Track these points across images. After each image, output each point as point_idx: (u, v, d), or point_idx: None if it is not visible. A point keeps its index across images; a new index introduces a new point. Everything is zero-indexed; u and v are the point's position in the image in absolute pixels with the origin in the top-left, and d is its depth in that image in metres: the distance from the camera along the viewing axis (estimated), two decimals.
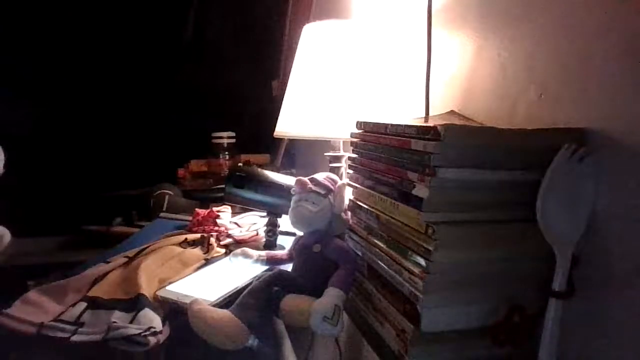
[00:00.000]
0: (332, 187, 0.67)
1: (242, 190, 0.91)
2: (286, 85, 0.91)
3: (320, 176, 0.68)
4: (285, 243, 0.90)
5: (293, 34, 1.64)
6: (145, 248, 0.86)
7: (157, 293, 0.68)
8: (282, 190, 0.86)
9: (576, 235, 0.44)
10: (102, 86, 2.10)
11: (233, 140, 1.68)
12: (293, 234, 0.90)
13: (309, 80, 0.85)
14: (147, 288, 0.69)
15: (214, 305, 0.60)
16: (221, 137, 1.66)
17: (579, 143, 0.44)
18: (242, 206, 1.05)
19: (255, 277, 0.71)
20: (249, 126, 1.93)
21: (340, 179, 0.75)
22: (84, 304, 0.66)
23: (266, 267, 0.75)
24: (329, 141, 0.88)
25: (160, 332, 0.60)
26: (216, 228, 1.01)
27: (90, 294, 0.70)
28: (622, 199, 0.43)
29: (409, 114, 0.76)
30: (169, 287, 0.70)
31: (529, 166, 0.45)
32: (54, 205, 1.91)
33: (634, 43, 0.42)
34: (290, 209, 0.66)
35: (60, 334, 0.59)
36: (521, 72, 0.56)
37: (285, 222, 0.86)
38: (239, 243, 0.94)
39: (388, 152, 0.52)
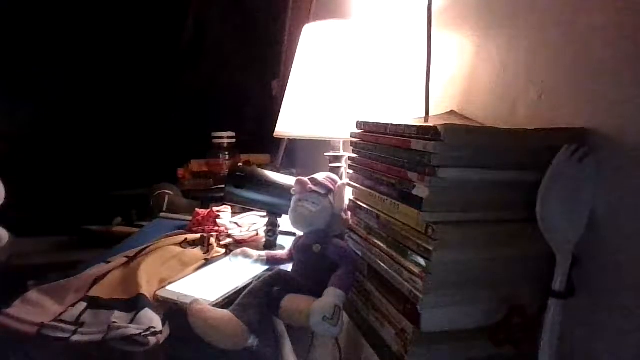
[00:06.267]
0: (332, 187, 0.67)
1: (242, 190, 0.91)
2: (286, 85, 0.91)
3: (320, 176, 0.68)
4: (285, 243, 0.90)
5: (293, 34, 1.64)
6: (145, 248, 0.86)
7: (157, 293, 0.68)
8: (282, 190, 0.86)
9: (576, 235, 0.44)
10: (102, 86, 2.10)
11: (233, 140, 1.68)
12: (293, 234, 0.90)
13: (309, 80, 0.85)
14: (147, 288, 0.69)
15: (214, 305, 0.60)
16: (221, 137, 1.66)
17: (579, 143, 0.44)
18: (242, 206, 1.05)
19: (255, 277, 0.71)
20: (249, 126, 1.93)
21: (340, 179, 0.75)
22: (84, 304, 0.66)
23: (266, 267, 0.75)
24: (329, 141, 0.88)
25: (160, 332, 0.60)
26: (216, 228, 1.01)
27: (90, 294, 0.70)
28: (622, 199, 0.43)
29: (409, 114, 0.76)
30: (169, 287, 0.70)
31: (528, 166, 0.45)
32: (54, 205, 1.91)
33: (634, 42, 0.42)
34: (290, 209, 0.66)
35: (60, 334, 0.59)
36: (521, 72, 0.56)
37: (285, 222, 0.86)
38: (239, 243, 0.93)
39: (388, 152, 0.52)
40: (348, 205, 0.65)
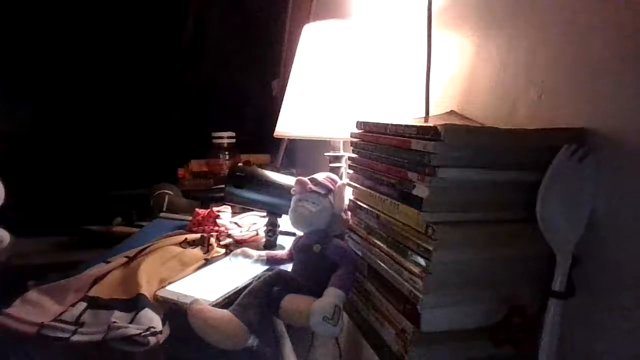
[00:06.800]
0: (332, 187, 0.67)
1: (242, 190, 0.91)
2: (286, 85, 0.91)
3: (320, 176, 0.68)
4: (285, 243, 0.90)
5: (293, 34, 1.64)
6: (145, 248, 0.86)
7: (157, 293, 0.68)
8: (282, 190, 0.86)
9: (576, 236, 0.44)
10: (102, 86, 2.10)
11: (233, 140, 1.68)
12: (293, 234, 0.90)
13: (309, 80, 0.85)
14: (147, 288, 0.69)
15: (214, 305, 0.60)
16: (221, 137, 1.66)
17: (579, 143, 0.44)
18: (242, 206, 1.05)
19: (255, 277, 0.71)
20: (249, 126, 1.93)
21: (340, 179, 0.75)
22: (84, 304, 0.66)
23: (266, 267, 0.75)
24: (329, 141, 0.88)
25: (160, 332, 0.60)
26: (216, 228, 1.01)
27: (90, 294, 0.70)
28: (622, 199, 0.43)
29: (409, 114, 0.76)
30: (169, 287, 0.70)
31: (528, 166, 0.45)
32: (54, 205, 1.91)
33: (634, 42, 0.42)
34: (290, 209, 0.66)
35: (60, 334, 0.59)
36: (521, 72, 0.56)
37: (285, 222, 0.86)
38: (239, 243, 0.94)
39: (388, 152, 0.52)
40: (348, 205, 0.65)
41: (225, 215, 1.09)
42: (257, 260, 0.76)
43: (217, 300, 0.65)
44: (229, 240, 0.95)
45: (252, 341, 0.54)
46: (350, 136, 0.63)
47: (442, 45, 0.72)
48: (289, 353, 0.66)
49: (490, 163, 0.44)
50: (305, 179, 0.67)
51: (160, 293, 0.68)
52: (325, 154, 0.89)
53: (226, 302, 0.64)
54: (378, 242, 0.55)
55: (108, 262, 0.82)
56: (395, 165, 0.50)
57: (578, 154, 0.44)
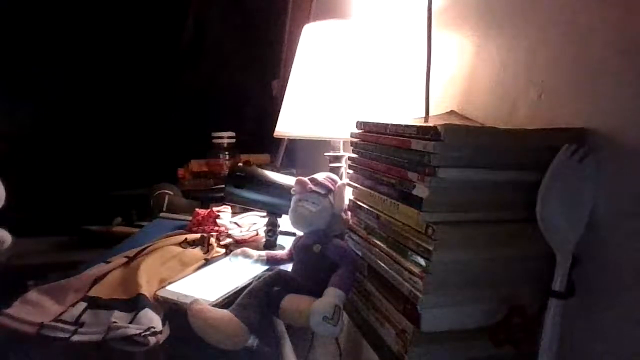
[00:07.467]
0: (332, 187, 0.67)
1: (242, 190, 0.91)
2: (286, 85, 0.91)
3: (320, 176, 0.68)
4: (285, 243, 0.90)
5: (293, 34, 1.64)
6: (145, 248, 0.86)
7: (157, 293, 0.68)
8: (282, 190, 0.86)
9: (576, 235, 0.44)
10: (102, 86, 2.10)
11: (233, 140, 1.68)
12: (293, 234, 0.90)
13: (309, 80, 0.85)
14: (147, 288, 0.69)
15: (214, 305, 0.60)
16: (221, 137, 1.66)
17: (579, 143, 0.44)
18: (242, 206, 1.05)
19: (255, 277, 0.71)
20: (249, 126, 1.93)
21: (340, 179, 0.75)
22: (84, 304, 0.66)
23: (266, 267, 0.75)
24: (329, 141, 0.88)
25: (160, 332, 0.60)
26: (216, 228, 1.01)
27: (90, 294, 0.70)
28: (622, 199, 0.43)
29: (409, 114, 0.76)
30: (169, 287, 0.70)
31: (528, 166, 0.45)
32: (54, 205, 1.91)
33: (634, 42, 0.42)
34: (290, 209, 0.66)
35: (60, 334, 0.59)
36: (521, 72, 0.56)
37: (285, 222, 0.86)
38: (239, 243, 0.94)
39: (388, 152, 0.52)
40: (348, 205, 0.65)
41: (225, 215, 1.09)
42: (257, 260, 0.76)
43: (217, 300, 0.65)
44: (229, 240, 0.95)
45: (252, 341, 0.54)
46: (350, 136, 0.63)
47: (442, 45, 0.72)
48: (289, 353, 0.66)
49: (490, 163, 0.44)
50: (305, 179, 0.67)
51: (160, 293, 0.68)
52: (325, 154, 0.89)
53: (226, 302, 0.64)
54: (378, 242, 0.55)
55: (108, 262, 0.82)
56: (395, 165, 0.50)
57: (578, 154, 0.44)
